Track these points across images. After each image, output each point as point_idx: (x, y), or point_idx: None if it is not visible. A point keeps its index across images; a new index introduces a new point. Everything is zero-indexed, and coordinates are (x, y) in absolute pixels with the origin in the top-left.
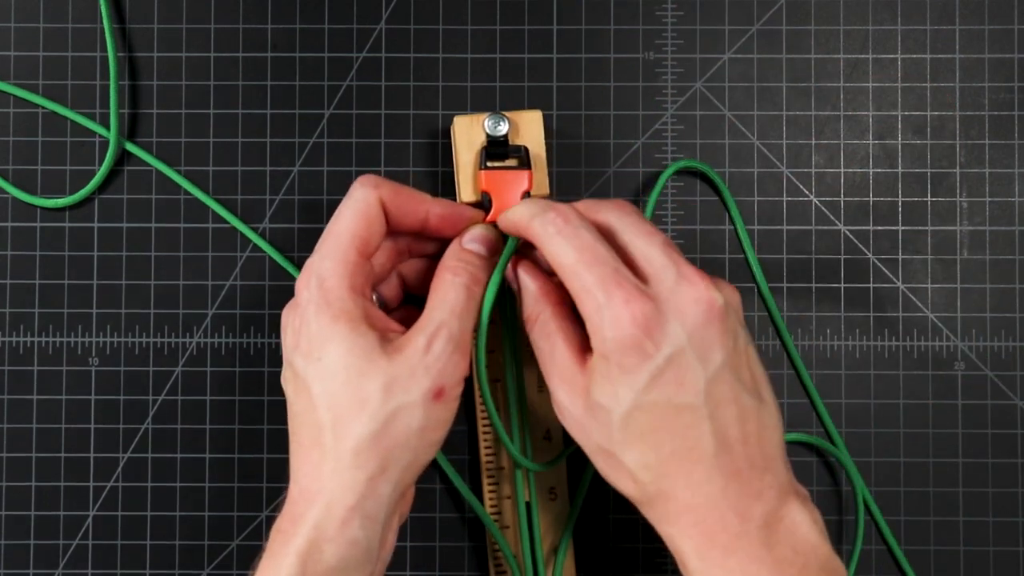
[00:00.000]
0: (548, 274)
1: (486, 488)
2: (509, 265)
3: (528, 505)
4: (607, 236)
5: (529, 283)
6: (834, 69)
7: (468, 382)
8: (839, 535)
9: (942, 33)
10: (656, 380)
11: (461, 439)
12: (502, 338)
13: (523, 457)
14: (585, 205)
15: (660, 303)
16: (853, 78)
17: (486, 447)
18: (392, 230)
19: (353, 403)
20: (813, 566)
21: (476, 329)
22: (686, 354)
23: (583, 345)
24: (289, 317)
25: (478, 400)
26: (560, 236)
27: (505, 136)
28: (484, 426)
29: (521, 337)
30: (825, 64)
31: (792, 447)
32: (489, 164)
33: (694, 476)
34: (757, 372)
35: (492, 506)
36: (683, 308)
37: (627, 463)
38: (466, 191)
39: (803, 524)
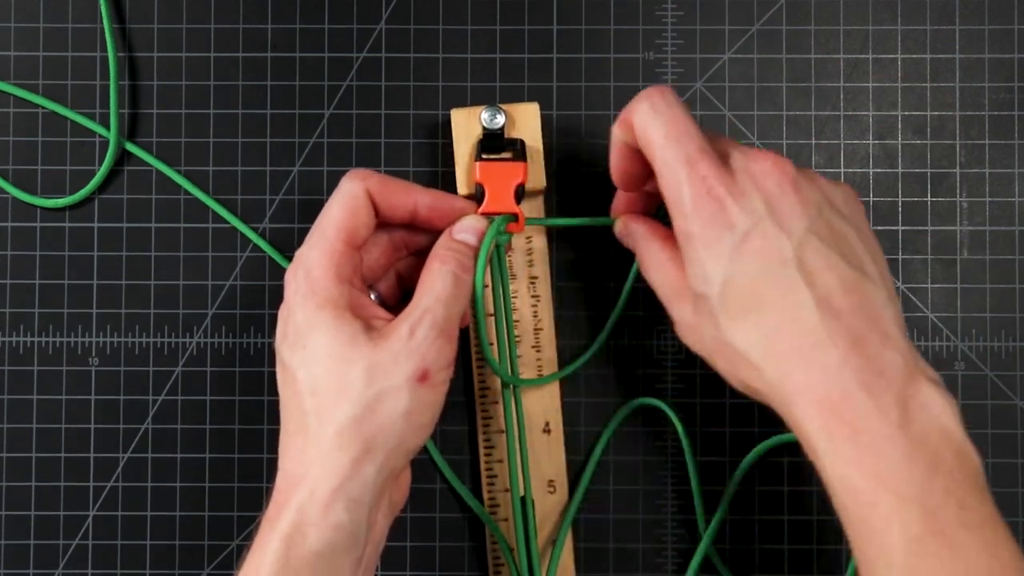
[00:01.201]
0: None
1: (484, 482)
2: (622, 222)
3: (523, 500)
4: None
5: (636, 228)
6: (834, 69)
7: (467, 383)
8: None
9: (942, 33)
10: (740, 249)
11: (461, 439)
12: (497, 331)
13: (510, 375)
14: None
15: (737, 175)
16: (853, 78)
17: (484, 440)
18: (383, 221)
19: (336, 388)
20: (947, 452)
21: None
22: (766, 223)
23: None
24: (280, 312)
25: (475, 361)
26: (653, 111)
27: (501, 129)
28: (484, 419)
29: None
30: (825, 64)
31: (793, 447)
32: (484, 156)
33: (805, 349)
34: (859, 248)
35: (490, 499)
36: (758, 179)
37: (739, 348)
38: (462, 183)
39: (935, 406)
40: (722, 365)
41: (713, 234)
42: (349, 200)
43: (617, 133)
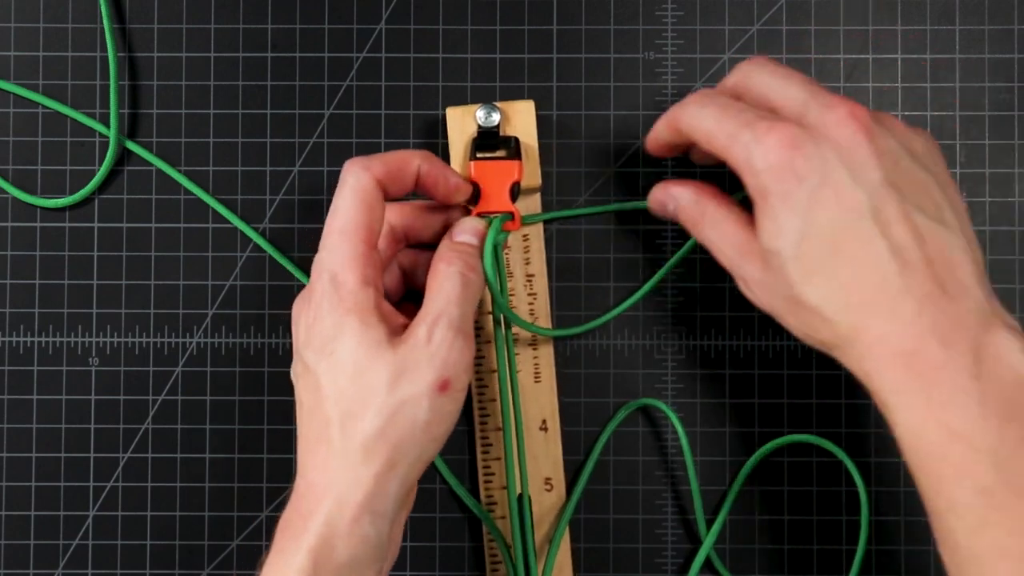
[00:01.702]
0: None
1: (481, 480)
2: (662, 188)
3: (520, 498)
4: (746, 94)
5: (682, 192)
6: (834, 69)
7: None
8: (842, 535)
9: (942, 33)
10: (814, 201)
11: (460, 438)
12: (495, 332)
13: (508, 377)
14: (725, 80)
15: (806, 128)
16: (853, 78)
17: (482, 438)
18: (391, 199)
19: (360, 397)
20: (1022, 399)
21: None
22: (839, 173)
23: (748, 221)
24: (302, 311)
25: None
26: (698, 106)
27: (496, 127)
28: (481, 417)
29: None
30: (825, 64)
31: (794, 447)
32: (478, 155)
33: (881, 301)
34: (937, 197)
35: (487, 497)
36: (829, 131)
37: (812, 303)
38: None
39: (1011, 354)
40: (793, 322)
41: (786, 187)
42: (361, 195)
43: (663, 134)
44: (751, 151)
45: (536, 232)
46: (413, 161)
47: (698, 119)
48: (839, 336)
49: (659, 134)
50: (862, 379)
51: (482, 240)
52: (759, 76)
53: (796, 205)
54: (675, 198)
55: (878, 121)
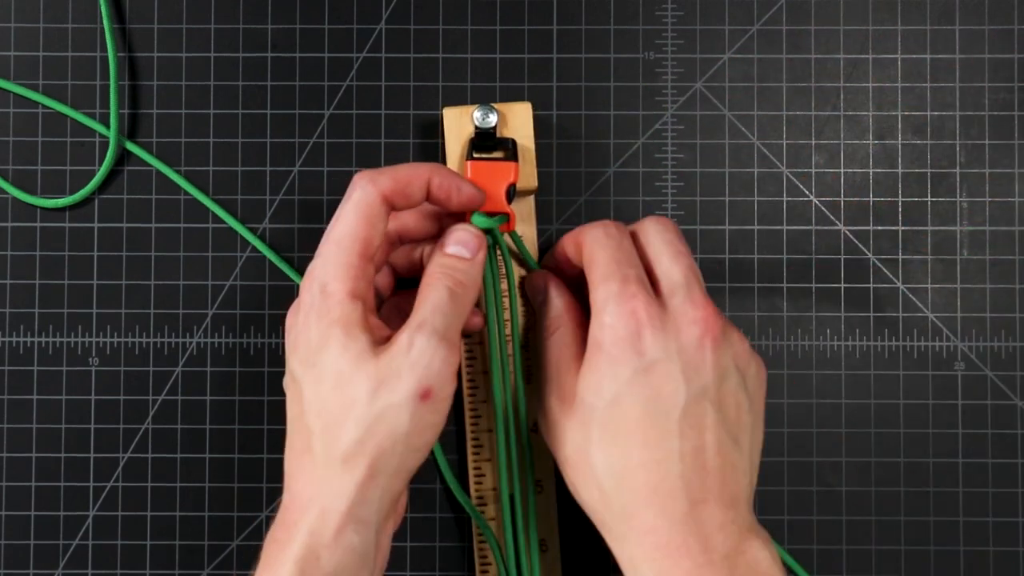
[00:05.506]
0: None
1: (472, 481)
2: (542, 277)
3: (512, 497)
4: (640, 248)
5: (556, 299)
6: (834, 69)
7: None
8: (841, 535)
9: (942, 33)
10: (639, 378)
11: (451, 439)
12: (488, 332)
13: (501, 376)
14: (634, 224)
15: (668, 312)
16: (853, 78)
17: (473, 439)
18: (401, 210)
19: (341, 408)
20: None
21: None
22: (672, 366)
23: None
24: (291, 321)
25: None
26: (603, 234)
27: (493, 128)
28: (472, 418)
29: (511, 338)
30: (825, 64)
31: (793, 448)
32: (475, 155)
33: (659, 494)
34: (744, 420)
35: (478, 498)
36: (681, 325)
37: (596, 467)
38: None
39: (764, 561)
40: (572, 476)
41: (620, 353)
42: (364, 209)
43: (569, 248)
44: (609, 304)
45: (530, 230)
46: (423, 175)
47: (594, 246)
48: (611, 513)
49: (563, 245)
50: (624, 564)
51: (473, 252)
52: (656, 239)
53: (621, 373)
54: (550, 298)
55: (726, 336)
